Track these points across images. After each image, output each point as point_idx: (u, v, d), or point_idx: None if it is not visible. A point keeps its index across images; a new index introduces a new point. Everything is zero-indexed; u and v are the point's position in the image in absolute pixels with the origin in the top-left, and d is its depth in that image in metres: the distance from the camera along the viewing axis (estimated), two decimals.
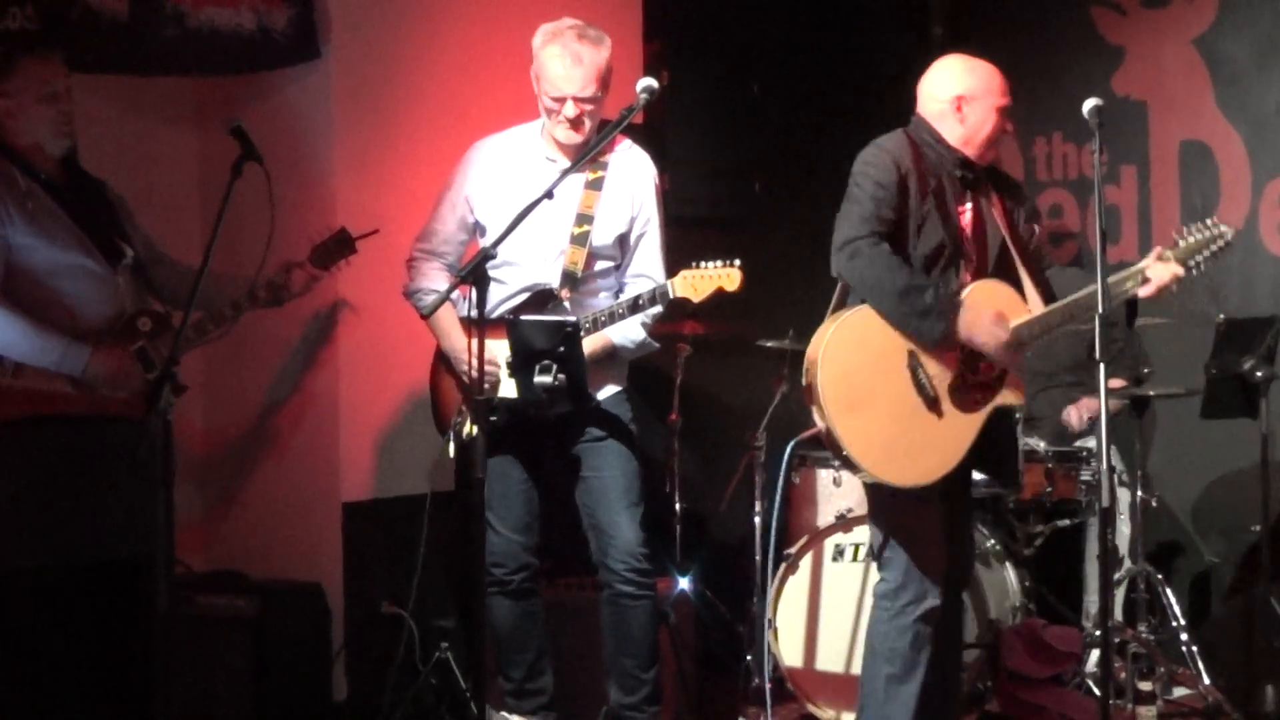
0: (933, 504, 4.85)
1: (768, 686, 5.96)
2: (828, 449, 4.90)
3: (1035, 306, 4.89)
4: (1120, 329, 5.82)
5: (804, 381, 4.85)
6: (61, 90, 5.08)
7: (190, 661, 5.65)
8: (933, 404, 4.80)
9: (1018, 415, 5.25)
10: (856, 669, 5.40)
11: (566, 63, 5.16)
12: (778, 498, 6.09)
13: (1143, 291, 4.81)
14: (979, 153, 4.96)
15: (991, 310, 4.80)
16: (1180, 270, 4.78)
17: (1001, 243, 4.95)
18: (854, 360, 4.79)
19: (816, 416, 4.81)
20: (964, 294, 4.81)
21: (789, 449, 6.14)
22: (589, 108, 5.19)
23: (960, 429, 4.84)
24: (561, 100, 5.18)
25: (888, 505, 4.96)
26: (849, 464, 4.83)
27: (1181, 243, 4.82)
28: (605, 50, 5.22)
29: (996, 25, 7.56)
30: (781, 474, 6.13)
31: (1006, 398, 4.91)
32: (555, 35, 5.22)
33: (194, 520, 6.36)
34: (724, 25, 7.83)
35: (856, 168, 4.88)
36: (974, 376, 4.85)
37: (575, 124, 5.19)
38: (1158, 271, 4.78)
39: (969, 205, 4.94)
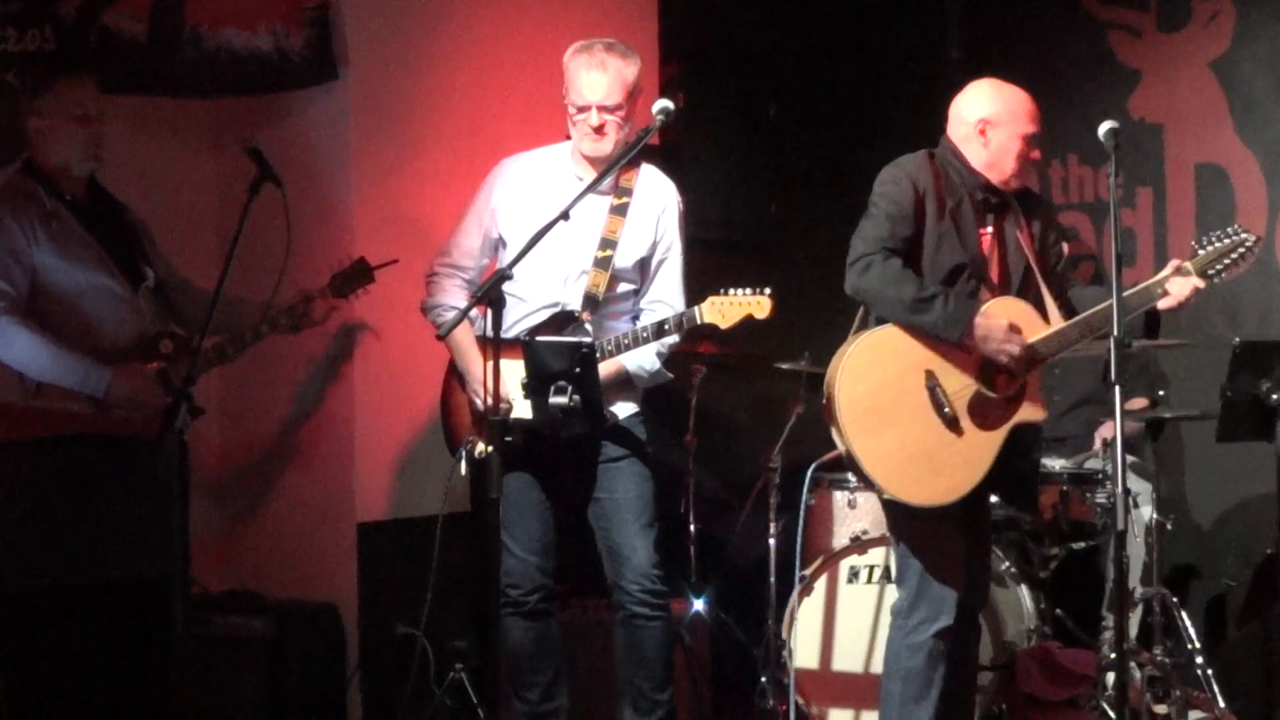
0: (951, 522, 4.85)
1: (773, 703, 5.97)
2: (849, 469, 4.92)
3: (1056, 326, 4.89)
4: (1141, 348, 5.83)
5: (824, 403, 4.86)
6: (93, 112, 5.12)
7: (206, 681, 5.66)
8: (952, 423, 4.80)
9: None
10: (871, 687, 5.39)
11: (592, 71, 5.20)
12: (801, 520, 6.11)
13: (1162, 304, 4.83)
14: (1003, 178, 4.94)
15: (1005, 321, 4.79)
16: (1199, 283, 4.81)
17: (1025, 266, 4.94)
18: (872, 381, 4.80)
19: (836, 438, 4.83)
20: (982, 309, 4.81)
21: (809, 472, 6.14)
22: (612, 117, 5.21)
23: (980, 447, 4.83)
24: (586, 109, 5.21)
25: (905, 522, 4.96)
26: (870, 484, 4.85)
27: (1201, 252, 4.83)
28: (633, 65, 5.26)
29: (1014, 48, 7.56)
30: (803, 497, 6.15)
31: (1027, 414, 4.89)
32: (585, 48, 5.27)
33: (210, 540, 6.37)
34: (740, 48, 7.85)
35: (875, 186, 4.90)
36: (992, 393, 4.85)
37: (599, 132, 5.21)
38: (1176, 286, 4.81)
39: (990, 229, 4.93)
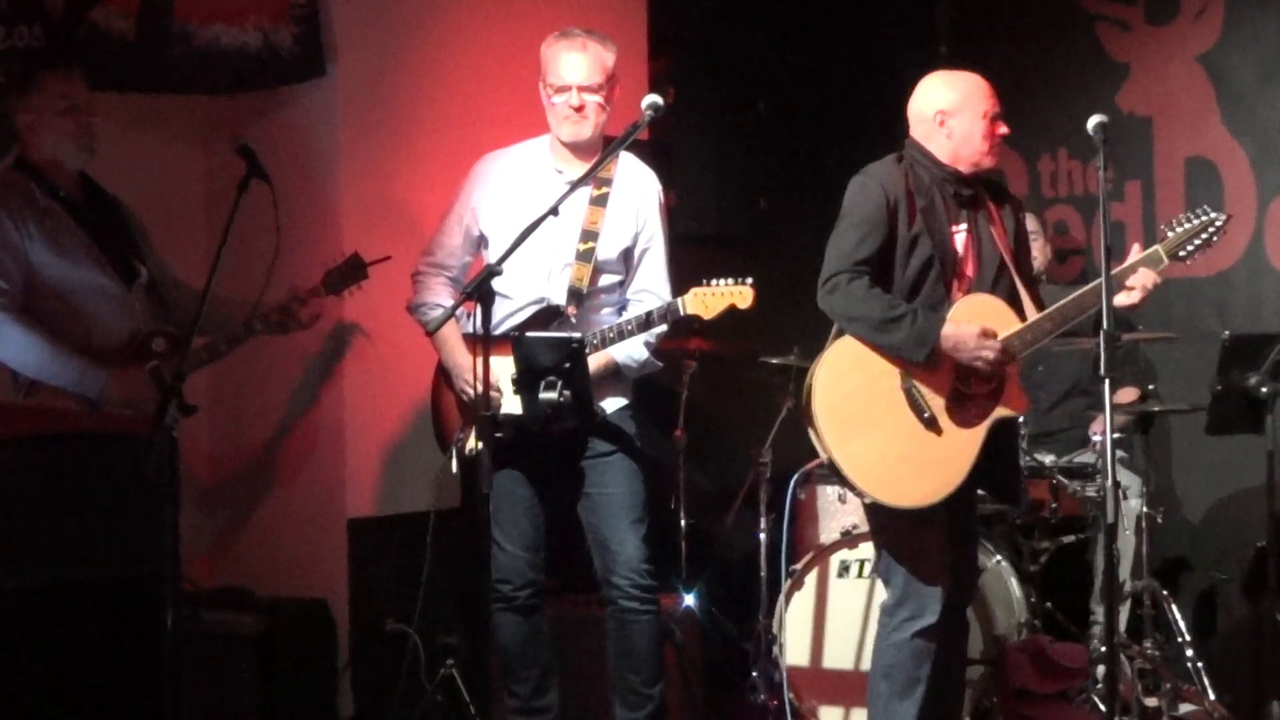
0: (934, 522, 4.85)
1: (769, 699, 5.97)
2: (832, 474, 4.93)
3: (1030, 319, 4.89)
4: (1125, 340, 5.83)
5: (803, 410, 4.86)
6: (82, 103, 5.11)
7: (197, 679, 5.63)
8: (930, 423, 4.80)
9: (1022, 432, 5.23)
10: (861, 682, 5.40)
11: (572, 53, 5.22)
12: (786, 519, 6.13)
13: (1125, 300, 4.82)
14: (973, 163, 4.93)
15: (976, 326, 4.79)
16: (1156, 277, 4.82)
17: (999, 260, 4.94)
18: (848, 386, 4.81)
19: (817, 444, 4.83)
20: (949, 312, 4.81)
21: (794, 479, 6.16)
22: (593, 98, 5.21)
23: (961, 446, 4.83)
24: (565, 89, 5.21)
25: (887, 523, 4.97)
26: (853, 489, 4.86)
27: (1171, 234, 4.86)
28: (612, 52, 5.27)
29: (1001, 42, 7.57)
30: (787, 497, 6.16)
31: (1007, 409, 4.89)
32: (564, 34, 5.30)
33: (201, 537, 6.36)
34: (730, 43, 7.85)
35: (845, 198, 4.90)
36: (969, 390, 4.85)
37: (579, 112, 5.21)
38: (1139, 279, 4.82)
39: (964, 224, 4.94)
